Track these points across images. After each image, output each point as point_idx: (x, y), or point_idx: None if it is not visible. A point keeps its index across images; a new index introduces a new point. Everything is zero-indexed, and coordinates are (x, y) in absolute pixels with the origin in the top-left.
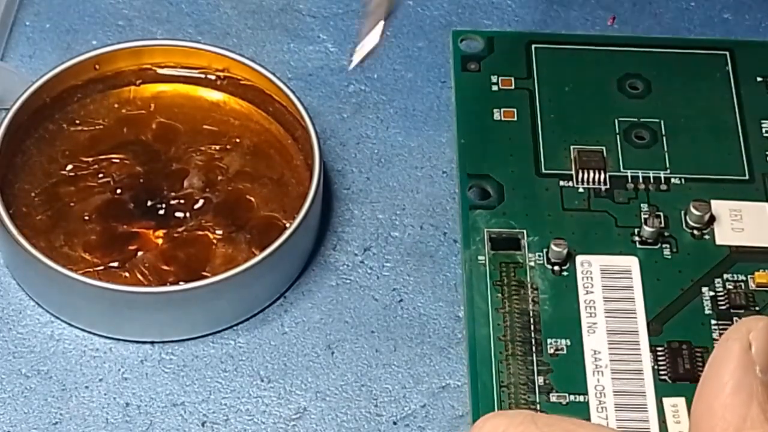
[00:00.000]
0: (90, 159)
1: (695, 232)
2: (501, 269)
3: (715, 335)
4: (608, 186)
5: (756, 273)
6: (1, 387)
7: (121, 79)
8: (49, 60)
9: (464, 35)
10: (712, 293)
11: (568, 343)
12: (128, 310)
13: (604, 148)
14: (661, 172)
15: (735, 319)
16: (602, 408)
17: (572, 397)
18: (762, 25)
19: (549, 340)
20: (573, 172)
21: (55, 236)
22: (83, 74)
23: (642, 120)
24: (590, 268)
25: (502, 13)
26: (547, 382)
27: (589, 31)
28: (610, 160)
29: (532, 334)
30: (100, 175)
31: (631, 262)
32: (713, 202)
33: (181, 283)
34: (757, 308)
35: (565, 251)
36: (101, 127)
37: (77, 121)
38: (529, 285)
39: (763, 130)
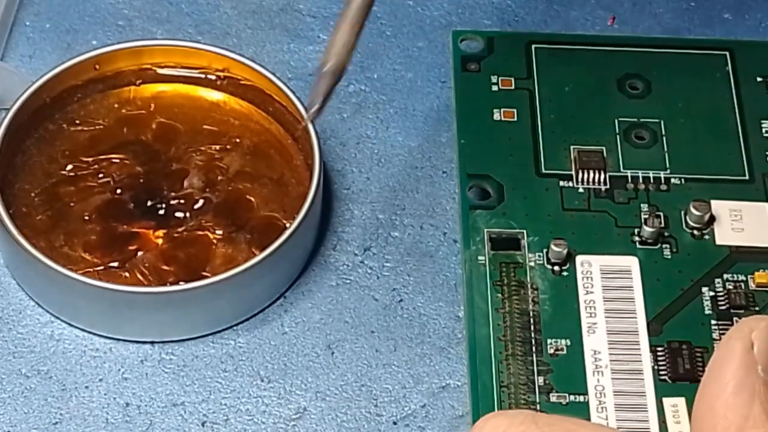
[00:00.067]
0: (90, 159)
1: (695, 232)
2: (501, 269)
3: (715, 335)
4: (608, 186)
5: (756, 273)
6: (1, 387)
7: (121, 79)
8: (49, 60)
9: (464, 35)
10: (712, 293)
11: (568, 343)
12: (128, 310)
13: (604, 148)
14: (661, 172)
15: (735, 319)
16: (602, 408)
17: (572, 397)
18: (762, 25)
19: (549, 340)
20: (573, 172)
21: (55, 236)
22: (83, 74)
23: (642, 120)
24: (590, 268)
25: (502, 13)
26: (547, 382)
27: (589, 31)
28: (610, 160)
29: (532, 334)
30: (100, 175)
31: (631, 262)
32: (713, 202)
33: (181, 283)
34: (757, 308)
35: (565, 251)
36: (101, 127)
37: (77, 121)
38: (529, 285)
39: (763, 130)
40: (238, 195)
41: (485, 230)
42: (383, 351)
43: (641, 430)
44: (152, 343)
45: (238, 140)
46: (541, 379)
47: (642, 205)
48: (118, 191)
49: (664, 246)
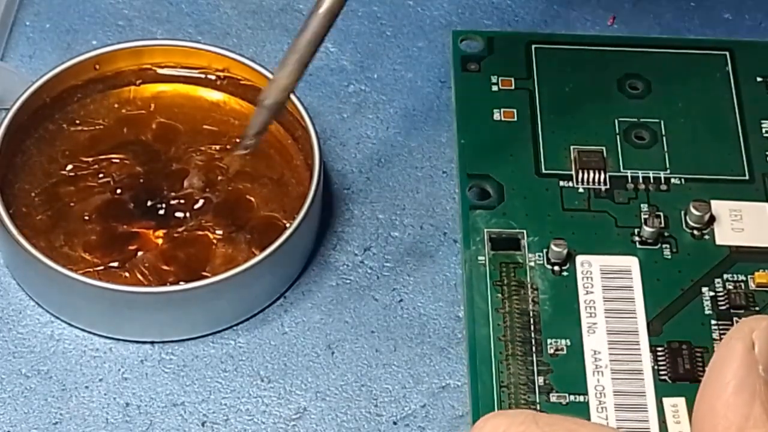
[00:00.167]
0: (90, 159)
1: (695, 232)
2: (501, 269)
3: (715, 335)
4: (608, 186)
5: (756, 273)
6: (1, 387)
7: (121, 79)
8: (49, 60)
9: (464, 35)
10: (712, 293)
11: (568, 343)
12: (128, 310)
13: (604, 148)
14: (661, 172)
15: (735, 319)
16: (602, 408)
17: (572, 397)
18: (762, 25)
19: (549, 340)
20: (573, 172)
21: (55, 236)
22: (83, 74)
23: (642, 120)
24: (590, 268)
25: (502, 13)
26: (547, 382)
27: (589, 31)
28: (610, 160)
29: (532, 334)
30: (100, 175)
31: (631, 262)
32: (713, 202)
33: (181, 283)
34: (757, 308)
35: (565, 251)
36: (101, 127)
37: (77, 121)
38: (529, 285)
39: (763, 130)
40: (238, 195)
41: (485, 230)
42: (383, 351)
43: (641, 430)
44: (152, 343)
45: (238, 140)
46: (541, 379)
47: (642, 205)
48: (118, 191)
49: (664, 246)
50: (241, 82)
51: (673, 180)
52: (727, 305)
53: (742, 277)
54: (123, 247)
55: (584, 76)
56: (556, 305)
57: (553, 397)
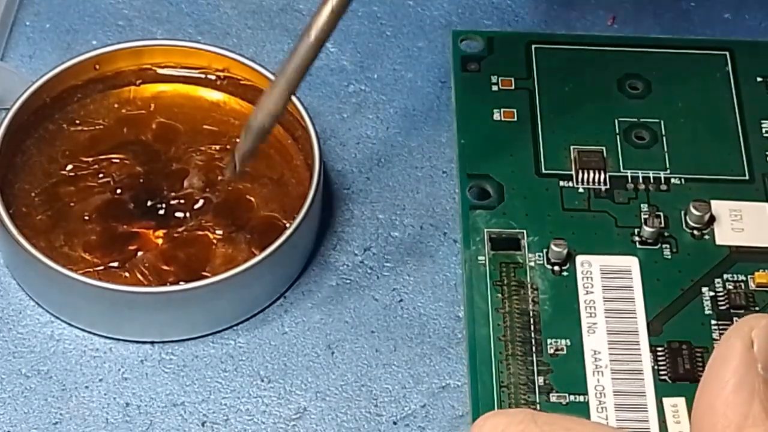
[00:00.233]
0: (90, 159)
1: (695, 232)
2: (501, 269)
3: (715, 335)
4: (608, 186)
5: (756, 273)
6: (1, 387)
7: (121, 79)
8: (49, 60)
9: (464, 35)
10: (712, 293)
11: (568, 343)
12: (128, 310)
13: (604, 148)
14: (661, 172)
15: (735, 319)
16: (602, 408)
17: (572, 397)
18: (762, 25)
19: (549, 340)
20: (573, 172)
21: (55, 236)
22: (83, 74)
23: (642, 120)
24: (590, 268)
25: (502, 13)
26: (547, 382)
27: (589, 31)
28: (610, 160)
29: (532, 334)
30: (100, 175)
31: (631, 262)
32: (713, 202)
33: (181, 283)
34: (757, 308)
35: (565, 251)
36: (101, 127)
37: (77, 121)
38: (529, 285)
39: (763, 130)
40: (238, 195)
41: (485, 230)
42: (383, 351)
43: (641, 430)
44: (152, 343)
45: (238, 140)
46: (541, 379)
47: (642, 205)
48: (118, 191)
49: (664, 246)
50: (241, 82)
51: (673, 180)
52: (727, 305)
53: (742, 277)
54: (123, 247)
55: (584, 76)
56: (556, 305)
57: (553, 397)
